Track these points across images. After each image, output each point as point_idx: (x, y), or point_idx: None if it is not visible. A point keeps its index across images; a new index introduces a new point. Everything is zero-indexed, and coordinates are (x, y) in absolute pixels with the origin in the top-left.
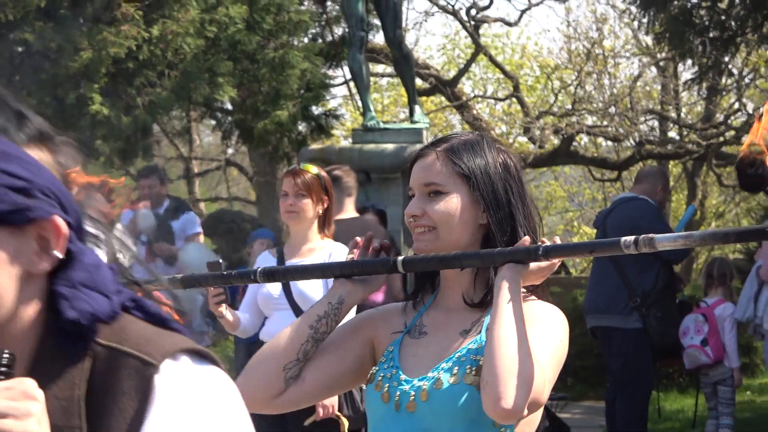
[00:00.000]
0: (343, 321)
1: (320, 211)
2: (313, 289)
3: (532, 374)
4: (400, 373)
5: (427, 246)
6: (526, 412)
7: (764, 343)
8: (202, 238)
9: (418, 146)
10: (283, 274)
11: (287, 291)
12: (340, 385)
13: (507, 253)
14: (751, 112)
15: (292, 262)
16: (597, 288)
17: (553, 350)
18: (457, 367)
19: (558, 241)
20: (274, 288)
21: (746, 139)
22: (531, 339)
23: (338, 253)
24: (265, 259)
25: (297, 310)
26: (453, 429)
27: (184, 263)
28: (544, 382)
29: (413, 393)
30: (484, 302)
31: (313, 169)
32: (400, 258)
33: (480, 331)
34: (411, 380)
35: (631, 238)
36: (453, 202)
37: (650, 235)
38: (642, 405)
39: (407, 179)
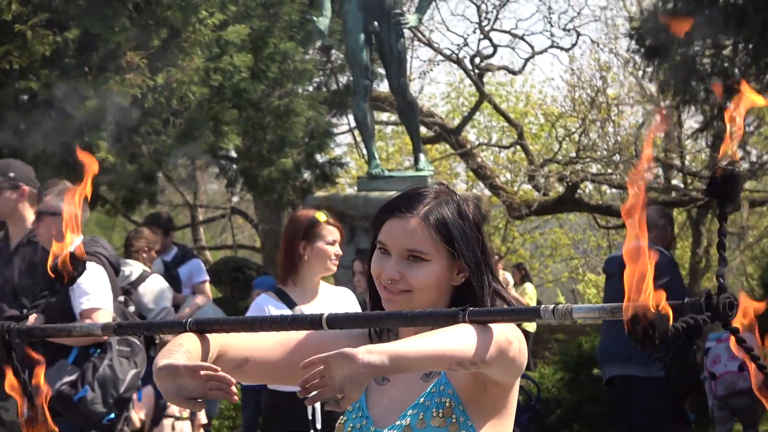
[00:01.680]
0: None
1: None
2: None
3: (463, 331)
4: (371, 423)
5: (402, 307)
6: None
7: None
8: (208, 285)
9: (390, 194)
10: (213, 324)
11: None
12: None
13: (427, 315)
14: (755, 159)
15: (303, 306)
16: (612, 335)
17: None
18: (422, 413)
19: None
20: None
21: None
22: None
23: (344, 296)
24: (265, 301)
25: None
26: None
27: None
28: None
29: None
30: None
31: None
32: (325, 315)
33: (440, 373)
34: (381, 430)
35: (551, 306)
36: (434, 270)
37: (568, 305)
38: None
39: (376, 227)
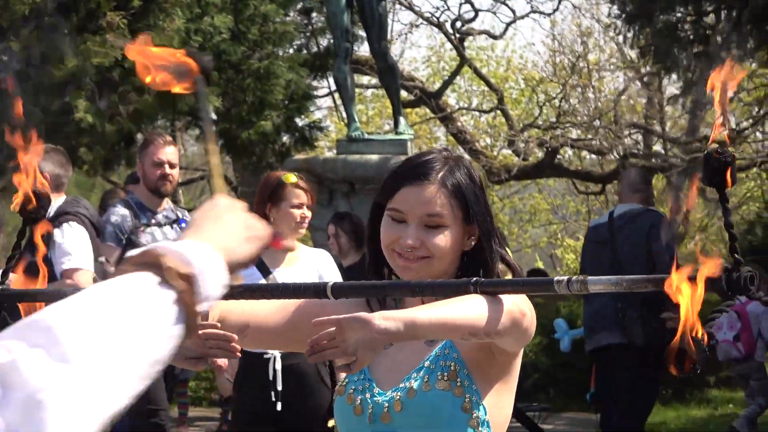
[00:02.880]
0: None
1: None
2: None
3: (475, 302)
4: (374, 385)
5: (419, 274)
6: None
7: None
8: None
9: (403, 158)
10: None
11: None
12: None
13: (437, 285)
14: (734, 126)
15: (279, 270)
16: (602, 300)
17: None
18: (428, 375)
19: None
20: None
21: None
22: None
23: (322, 258)
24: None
25: None
26: None
27: None
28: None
29: (387, 404)
30: None
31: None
32: (330, 283)
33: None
34: (384, 392)
35: (565, 278)
36: (451, 235)
37: (583, 277)
38: (644, 418)
39: (385, 193)
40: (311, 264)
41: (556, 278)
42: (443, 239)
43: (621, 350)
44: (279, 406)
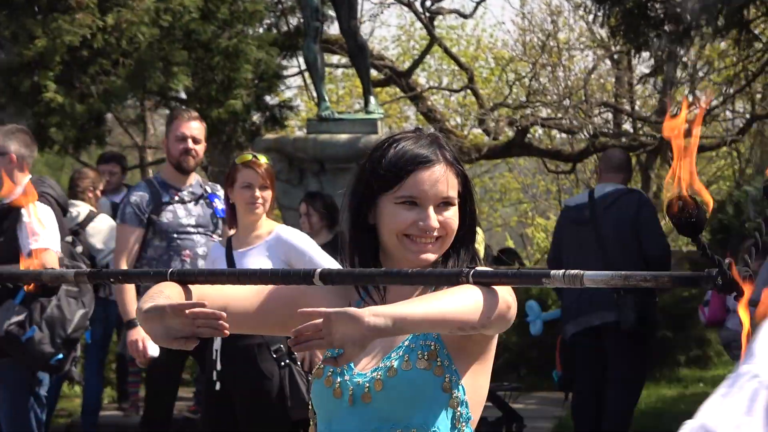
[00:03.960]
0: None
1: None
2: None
3: (468, 294)
4: (352, 367)
5: (433, 256)
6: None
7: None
8: None
9: (373, 137)
10: (197, 276)
11: None
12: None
13: (428, 275)
14: (703, 105)
15: (241, 251)
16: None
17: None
18: (407, 355)
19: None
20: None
21: (668, 185)
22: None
23: (283, 233)
24: (217, 249)
25: None
26: (410, 414)
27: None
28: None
29: (367, 384)
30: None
31: (265, 159)
32: (318, 270)
33: None
34: (364, 373)
35: (560, 272)
36: (458, 212)
37: (579, 272)
38: (639, 395)
39: (387, 183)
40: (276, 246)
41: (552, 272)
42: (455, 216)
43: (614, 330)
44: (218, 386)
